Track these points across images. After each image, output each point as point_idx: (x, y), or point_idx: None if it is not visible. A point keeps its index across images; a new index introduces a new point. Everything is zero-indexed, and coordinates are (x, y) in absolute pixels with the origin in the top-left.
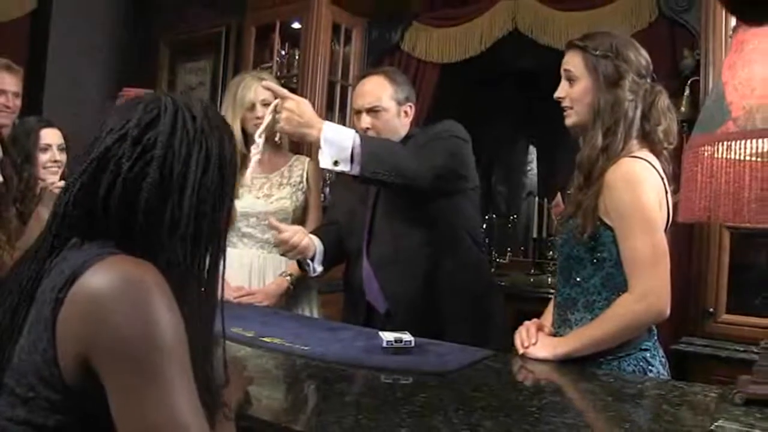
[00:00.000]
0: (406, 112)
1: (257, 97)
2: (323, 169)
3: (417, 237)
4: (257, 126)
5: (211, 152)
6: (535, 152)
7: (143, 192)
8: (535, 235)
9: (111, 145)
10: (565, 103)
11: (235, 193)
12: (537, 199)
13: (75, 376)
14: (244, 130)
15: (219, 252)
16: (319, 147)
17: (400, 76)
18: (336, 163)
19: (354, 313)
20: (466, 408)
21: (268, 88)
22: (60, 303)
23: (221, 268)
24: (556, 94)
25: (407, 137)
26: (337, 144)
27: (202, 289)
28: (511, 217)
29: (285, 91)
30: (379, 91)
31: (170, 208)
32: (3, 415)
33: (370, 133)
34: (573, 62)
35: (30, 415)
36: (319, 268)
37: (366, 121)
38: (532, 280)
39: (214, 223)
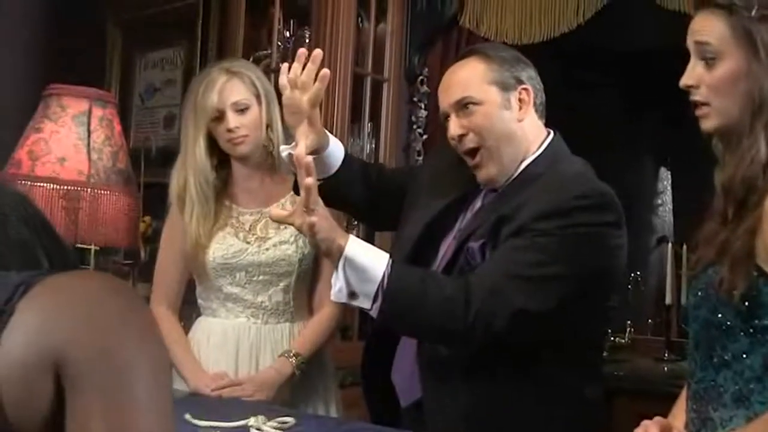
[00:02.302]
0: (521, 100)
1: (225, 100)
2: None
3: (486, 360)
4: (232, 143)
5: None
6: (668, 177)
7: None
8: (669, 301)
9: None
10: (699, 96)
11: (208, 236)
12: (672, 247)
13: None
14: (213, 149)
15: None
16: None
17: (503, 50)
18: (353, 295)
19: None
20: None
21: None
22: None
23: None
24: (684, 81)
25: (536, 171)
26: (361, 269)
27: None
28: (633, 275)
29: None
30: (467, 77)
31: None
32: None
33: (470, 140)
34: (711, 30)
35: None
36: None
37: (456, 126)
38: (666, 369)
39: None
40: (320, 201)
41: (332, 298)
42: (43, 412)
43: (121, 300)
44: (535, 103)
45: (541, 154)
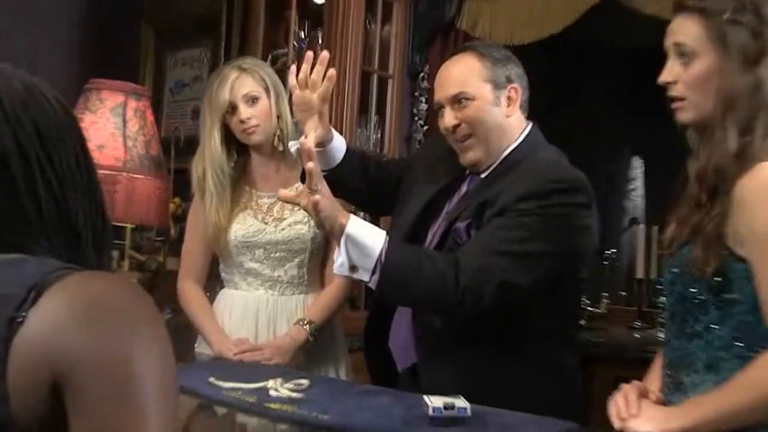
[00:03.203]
0: (510, 98)
1: (237, 93)
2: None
3: (474, 329)
4: (246, 133)
5: (47, 93)
6: (641, 165)
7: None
8: (640, 275)
9: None
10: (676, 92)
11: (231, 217)
12: (644, 227)
13: None
14: (228, 139)
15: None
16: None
17: (496, 49)
18: (353, 269)
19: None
20: None
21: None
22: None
23: None
24: (662, 78)
25: (516, 159)
26: (361, 245)
27: None
28: (608, 252)
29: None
30: (464, 73)
31: (35, 163)
32: None
33: (462, 130)
34: (687, 31)
35: None
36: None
37: (450, 116)
38: (638, 336)
39: (87, 184)
40: (324, 183)
41: (335, 271)
42: (42, 419)
43: (130, 307)
44: (521, 101)
45: (521, 143)
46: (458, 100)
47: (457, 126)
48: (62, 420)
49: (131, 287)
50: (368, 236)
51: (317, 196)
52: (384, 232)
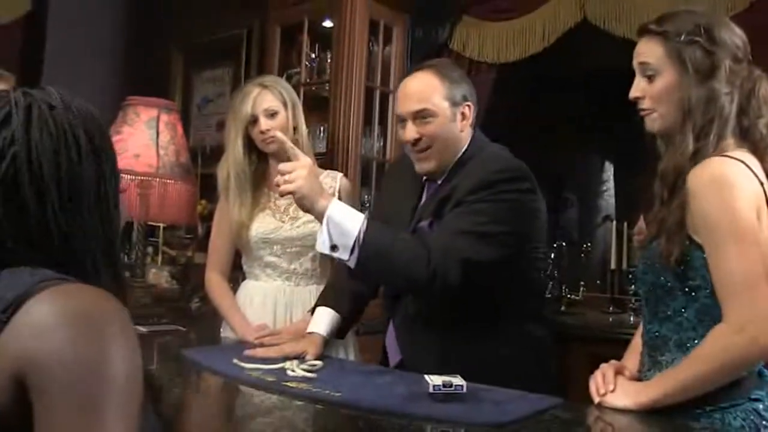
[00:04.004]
0: (464, 114)
1: (258, 107)
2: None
3: (447, 313)
4: (266, 142)
5: (79, 139)
6: (611, 169)
7: (23, 193)
8: (613, 266)
9: None
10: (644, 105)
11: (252, 216)
12: (615, 224)
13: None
14: (250, 147)
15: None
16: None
17: (453, 69)
18: (334, 248)
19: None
20: None
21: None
22: None
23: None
24: (632, 94)
25: (465, 159)
26: (341, 226)
27: None
28: (584, 246)
29: (297, 150)
30: (427, 91)
31: (50, 206)
32: None
33: (423, 143)
34: (651, 52)
35: None
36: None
37: (412, 130)
38: (610, 319)
39: (100, 218)
40: (308, 165)
41: (317, 248)
42: (9, 412)
43: (109, 319)
44: (472, 117)
45: (468, 147)
46: (421, 116)
47: (418, 140)
48: (26, 415)
49: (112, 302)
50: (348, 218)
51: (289, 186)
52: (363, 215)
